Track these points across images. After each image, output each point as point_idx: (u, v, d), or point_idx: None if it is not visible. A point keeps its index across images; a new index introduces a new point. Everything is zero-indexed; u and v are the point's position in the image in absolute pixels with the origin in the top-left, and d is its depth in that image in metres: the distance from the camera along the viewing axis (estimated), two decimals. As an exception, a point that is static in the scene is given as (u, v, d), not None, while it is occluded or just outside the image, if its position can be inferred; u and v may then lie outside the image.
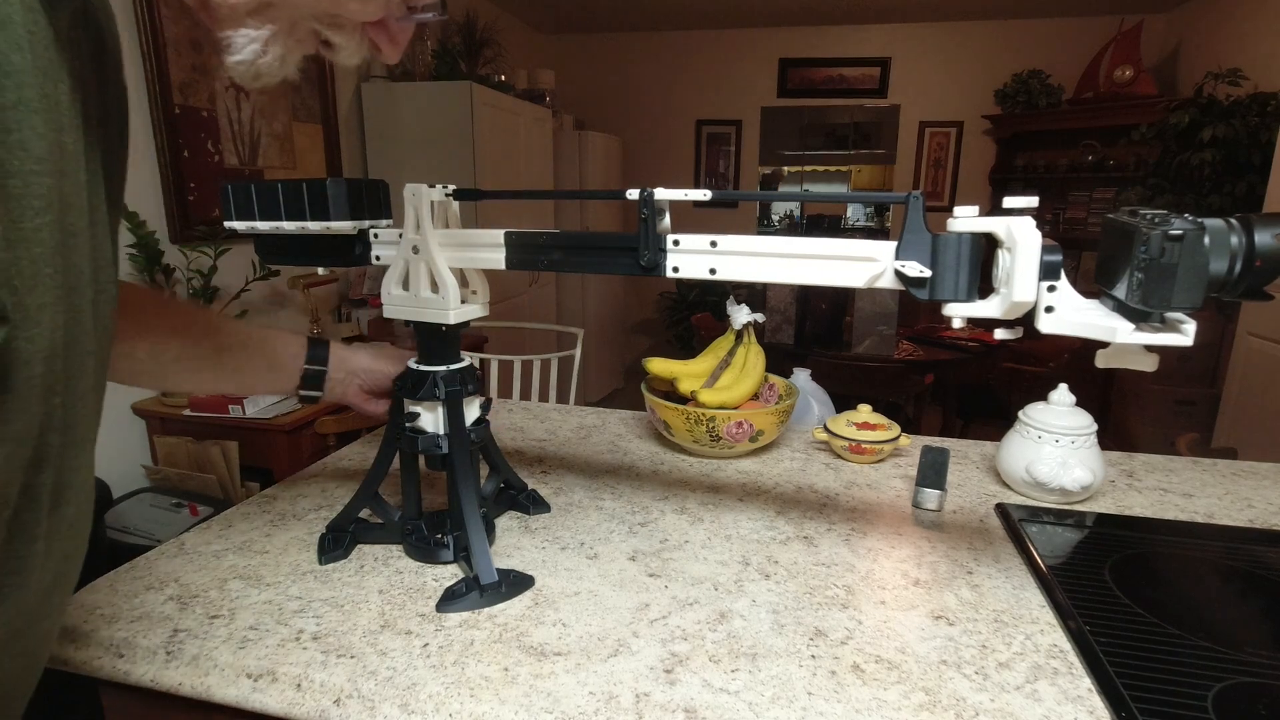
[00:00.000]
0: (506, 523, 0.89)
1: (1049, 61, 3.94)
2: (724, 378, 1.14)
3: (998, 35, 4.08)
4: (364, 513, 0.82)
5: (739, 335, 1.16)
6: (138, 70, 1.81)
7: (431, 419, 0.75)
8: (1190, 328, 0.50)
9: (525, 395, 1.78)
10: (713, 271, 0.65)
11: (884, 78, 4.29)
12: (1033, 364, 2.60)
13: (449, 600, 0.70)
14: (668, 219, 0.68)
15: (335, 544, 0.76)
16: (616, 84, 4.65)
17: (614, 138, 4.24)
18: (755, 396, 1.18)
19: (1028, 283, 0.53)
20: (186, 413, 1.81)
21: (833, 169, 6.74)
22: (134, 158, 1.83)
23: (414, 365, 0.75)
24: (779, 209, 6.88)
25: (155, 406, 1.85)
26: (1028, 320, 0.57)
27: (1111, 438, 3.22)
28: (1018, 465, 0.96)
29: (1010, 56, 4.05)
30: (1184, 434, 2.02)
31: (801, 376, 1.33)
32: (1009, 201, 0.54)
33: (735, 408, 1.09)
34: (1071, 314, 0.53)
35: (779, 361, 3.05)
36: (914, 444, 1.13)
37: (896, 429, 1.09)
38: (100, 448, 1.88)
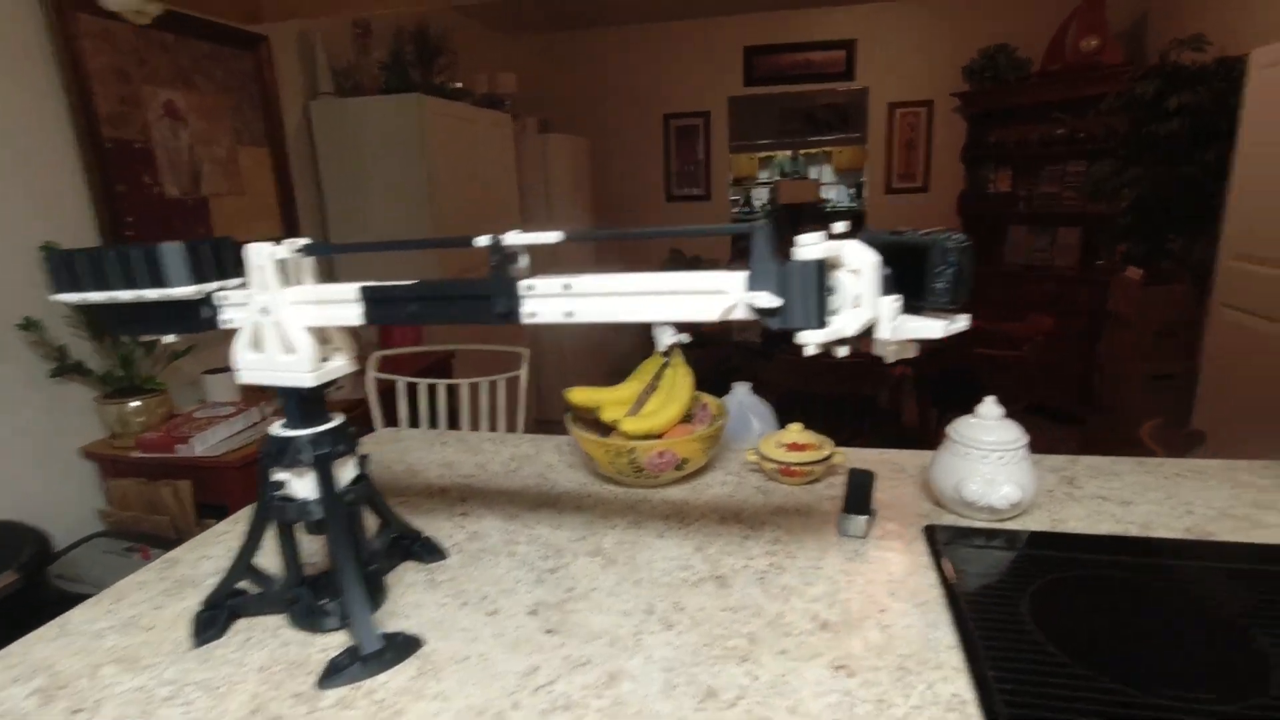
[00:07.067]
0: (412, 576, 0.86)
1: (1016, 34, 3.87)
2: (650, 403, 1.10)
3: (962, 10, 4.01)
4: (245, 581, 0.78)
5: (666, 357, 1.13)
6: (59, 104, 1.76)
7: (302, 484, 0.71)
8: (966, 317, 0.58)
9: (476, 420, 1.75)
10: (569, 315, 0.61)
11: (850, 60, 4.22)
12: (1006, 348, 2.56)
13: (332, 675, 0.67)
14: (526, 261, 0.64)
15: (210, 624, 0.73)
16: (581, 83, 4.59)
17: (580, 139, 4.18)
18: (689, 418, 1.15)
19: (876, 299, 0.56)
20: (135, 454, 1.77)
21: (815, 151, 6.69)
22: (62, 195, 1.79)
23: (277, 431, 0.71)
24: (759, 197, 6.85)
25: (104, 449, 1.82)
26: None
27: (1098, 414, 3.19)
28: (948, 484, 0.93)
29: (976, 31, 3.98)
30: (1150, 419, 1.98)
31: (741, 391, 1.29)
32: (838, 227, 0.58)
33: (660, 435, 1.05)
34: (905, 322, 0.58)
35: (747, 360, 3.02)
36: (855, 459, 1.10)
37: (828, 447, 1.05)
38: (47, 493, 1.85)
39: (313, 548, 0.90)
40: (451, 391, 1.74)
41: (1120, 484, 1.01)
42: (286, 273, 0.70)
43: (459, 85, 3.19)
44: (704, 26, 4.36)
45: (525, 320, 0.62)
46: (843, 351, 0.60)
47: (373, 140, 2.66)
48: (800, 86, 4.33)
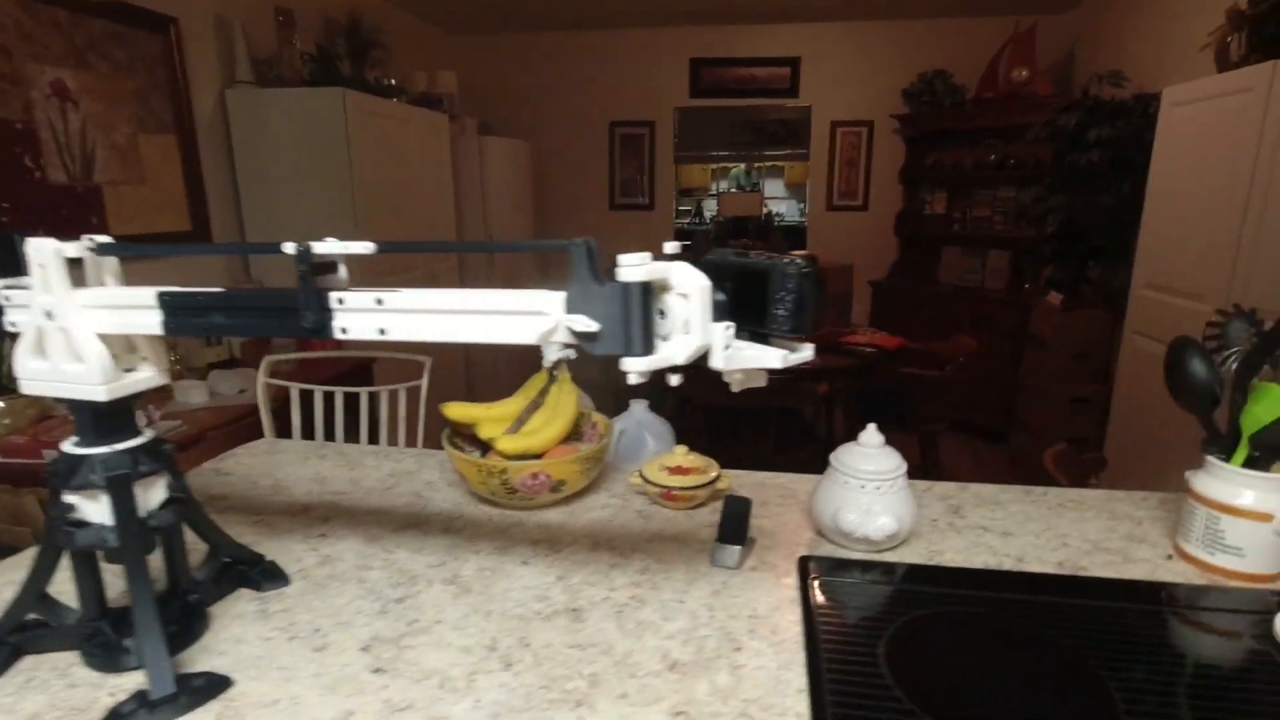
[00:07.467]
0: (243, 606, 0.78)
1: (953, 61, 3.97)
2: (532, 421, 1.05)
3: (903, 35, 4.10)
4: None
5: (551, 373, 1.08)
6: (-73, 80, 1.63)
7: (96, 509, 0.64)
8: (810, 348, 0.56)
9: (375, 430, 1.66)
10: (382, 332, 0.56)
11: (794, 77, 4.26)
12: (931, 367, 2.59)
13: (113, 724, 0.60)
14: (344, 273, 0.59)
15: (-16, 662, 0.65)
16: (525, 87, 4.52)
17: (521, 142, 4.11)
18: (579, 437, 1.10)
19: (707, 325, 0.53)
20: (-3, 459, 1.63)
21: (769, 164, 6.73)
22: (-72, 177, 1.65)
23: (69, 449, 0.64)
24: (710, 208, 6.83)
25: (-36, 452, 1.67)
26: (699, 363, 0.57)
27: (1021, 433, 3.26)
28: (826, 512, 0.90)
29: (916, 56, 4.07)
30: (1068, 440, 2.01)
31: (638, 409, 1.24)
32: (668, 247, 0.54)
33: (540, 455, 1.00)
34: (741, 350, 0.55)
35: (673, 371, 2.98)
36: (746, 482, 1.07)
37: (714, 471, 1.02)
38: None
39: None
40: (350, 400, 1.65)
41: (1004, 514, 1.00)
42: (85, 273, 0.63)
43: (392, 82, 3.09)
44: (650, 36, 4.35)
45: (337, 336, 0.57)
46: (674, 380, 0.56)
47: (294, 134, 2.55)
48: (745, 101, 4.35)
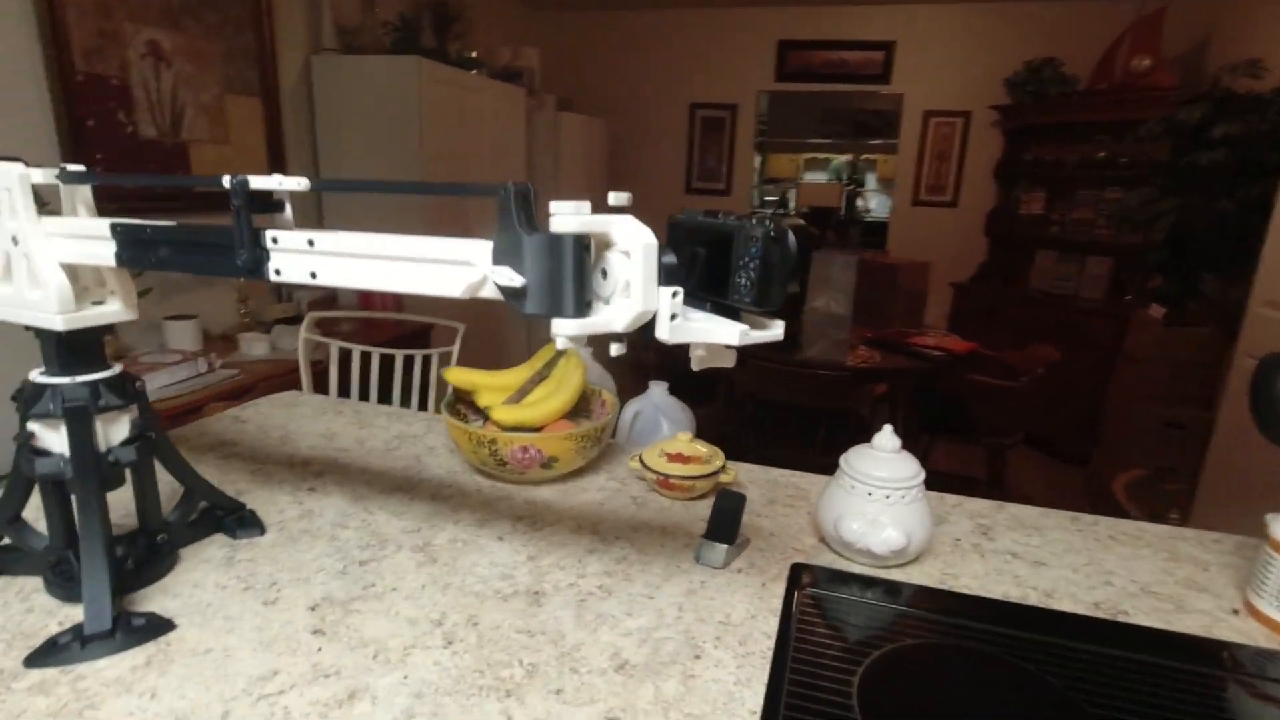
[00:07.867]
0: (213, 551, 0.78)
1: (1065, 48, 3.64)
2: (535, 393, 1.01)
3: (1009, 18, 3.79)
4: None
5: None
6: (30, 33, 1.73)
7: (56, 438, 0.64)
8: (779, 325, 0.50)
9: (407, 393, 1.67)
10: (313, 275, 0.52)
11: (887, 62, 4.03)
12: (1004, 376, 2.40)
13: (47, 653, 0.60)
14: (289, 213, 0.56)
15: (-52, 578, 0.66)
16: (606, 64, 4.48)
17: (597, 120, 4.08)
18: (587, 414, 1.06)
19: (651, 289, 0.46)
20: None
21: (873, 157, 6.44)
22: (26, 126, 1.77)
23: (35, 378, 0.64)
24: (794, 198, 6.58)
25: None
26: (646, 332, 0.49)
27: (1100, 453, 2.99)
28: (829, 518, 0.82)
29: (1023, 42, 3.76)
30: (1156, 466, 1.81)
31: (656, 391, 1.19)
32: (614, 198, 0.48)
33: (538, 428, 0.96)
34: (690, 321, 0.49)
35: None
36: (758, 477, 0.99)
37: (718, 461, 0.95)
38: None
39: (124, 510, 0.83)
40: (386, 362, 1.67)
41: (1040, 541, 0.89)
42: (60, 201, 0.63)
43: (473, 55, 3.12)
44: (736, 16, 4.21)
45: (272, 278, 0.54)
46: (616, 349, 0.50)
47: (371, 101, 2.61)
48: (833, 86, 4.15)
